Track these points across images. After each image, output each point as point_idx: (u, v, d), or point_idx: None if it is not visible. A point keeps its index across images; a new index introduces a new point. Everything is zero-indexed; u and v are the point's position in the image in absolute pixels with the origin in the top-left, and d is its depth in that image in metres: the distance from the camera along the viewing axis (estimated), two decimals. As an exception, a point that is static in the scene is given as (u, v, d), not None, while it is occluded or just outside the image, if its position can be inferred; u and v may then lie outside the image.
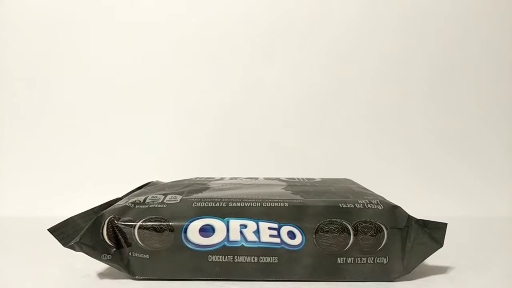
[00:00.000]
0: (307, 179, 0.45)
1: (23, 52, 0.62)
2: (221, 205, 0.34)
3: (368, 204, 0.34)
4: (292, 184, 0.42)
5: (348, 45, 0.63)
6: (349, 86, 0.63)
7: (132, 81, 0.63)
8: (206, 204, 0.34)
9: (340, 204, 0.34)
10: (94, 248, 0.33)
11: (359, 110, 0.62)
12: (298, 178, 0.46)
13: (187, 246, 0.33)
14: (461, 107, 0.63)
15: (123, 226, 0.33)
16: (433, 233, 0.33)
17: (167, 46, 0.63)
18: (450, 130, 0.63)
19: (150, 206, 0.34)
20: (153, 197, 0.36)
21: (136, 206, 0.34)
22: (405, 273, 0.33)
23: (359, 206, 0.34)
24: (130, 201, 0.35)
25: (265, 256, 0.33)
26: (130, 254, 0.33)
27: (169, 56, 0.63)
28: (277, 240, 0.33)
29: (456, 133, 0.63)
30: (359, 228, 0.33)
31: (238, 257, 0.33)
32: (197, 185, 0.40)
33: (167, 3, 0.62)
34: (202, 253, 0.33)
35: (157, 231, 0.33)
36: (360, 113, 0.63)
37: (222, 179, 0.45)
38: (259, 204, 0.34)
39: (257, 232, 0.33)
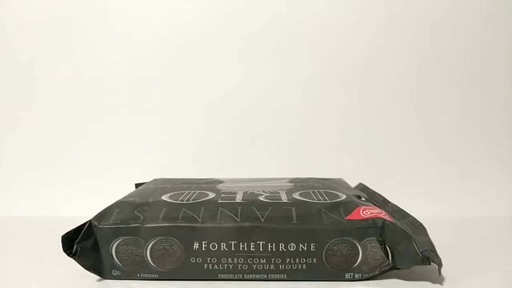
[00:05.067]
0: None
1: (23, 51, 0.62)
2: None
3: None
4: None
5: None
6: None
7: (132, 81, 0.63)
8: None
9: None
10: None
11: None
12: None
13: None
14: (460, 106, 0.63)
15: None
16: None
17: (166, 44, 0.63)
18: (449, 130, 0.63)
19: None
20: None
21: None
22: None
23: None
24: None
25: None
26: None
27: (168, 55, 0.63)
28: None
29: (455, 132, 0.63)
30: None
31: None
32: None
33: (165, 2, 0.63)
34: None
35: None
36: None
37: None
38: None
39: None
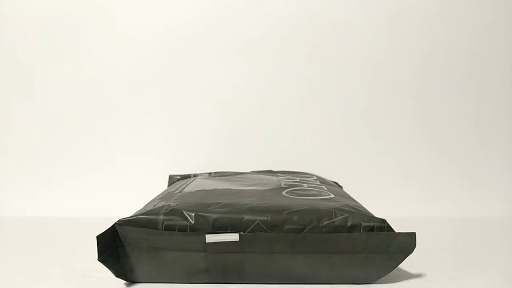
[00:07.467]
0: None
1: (24, 54, 0.62)
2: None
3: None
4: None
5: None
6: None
7: (132, 80, 0.63)
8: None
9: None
10: None
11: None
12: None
13: None
14: (459, 107, 0.63)
15: None
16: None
17: (167, 45, 0.63)
18: (448, 131, 0.63)
19: None
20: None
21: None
22: None
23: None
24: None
25: None
26: None
27: (170, 55, 0.63)
28: None
29: (457, 133, 0.63)
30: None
31: None
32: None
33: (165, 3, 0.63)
34: None
35: None
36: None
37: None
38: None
39: None
